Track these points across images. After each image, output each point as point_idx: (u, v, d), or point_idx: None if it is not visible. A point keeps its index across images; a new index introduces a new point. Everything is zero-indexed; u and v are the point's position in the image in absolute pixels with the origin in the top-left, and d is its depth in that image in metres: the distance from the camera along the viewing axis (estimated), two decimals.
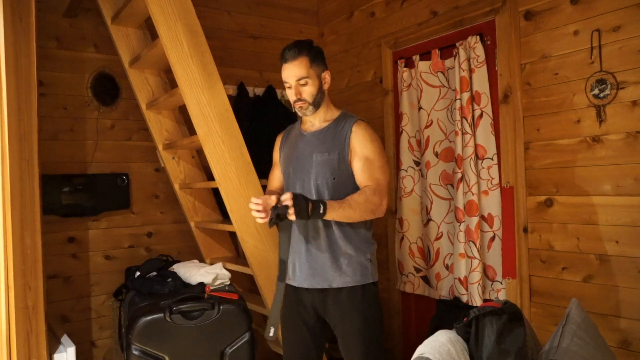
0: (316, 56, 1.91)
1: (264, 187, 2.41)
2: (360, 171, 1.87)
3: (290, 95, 1.92)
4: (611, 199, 2.18)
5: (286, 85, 1.93)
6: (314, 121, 1.99)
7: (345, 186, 1.88)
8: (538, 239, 2.44)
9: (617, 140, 2.15)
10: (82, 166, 2.95)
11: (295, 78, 1.87)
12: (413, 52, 3.02)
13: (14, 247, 1.87)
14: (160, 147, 2.94)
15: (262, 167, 2.62)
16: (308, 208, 1.66)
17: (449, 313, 2.76)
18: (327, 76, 1.95)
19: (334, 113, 2.00)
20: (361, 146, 1.87)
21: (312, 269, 1.91)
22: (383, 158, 1.89)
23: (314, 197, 1.89)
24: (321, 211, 1.69)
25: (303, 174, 1.94)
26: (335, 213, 1.73)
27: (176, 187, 2.97)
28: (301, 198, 1.66)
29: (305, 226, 1.91)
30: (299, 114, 1.95)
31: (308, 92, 1.89)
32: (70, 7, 2.81)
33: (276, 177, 2.15)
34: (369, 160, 1.86)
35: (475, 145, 2.63)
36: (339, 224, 1.87)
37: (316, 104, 1.92)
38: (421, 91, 2.91)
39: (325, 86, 1.95)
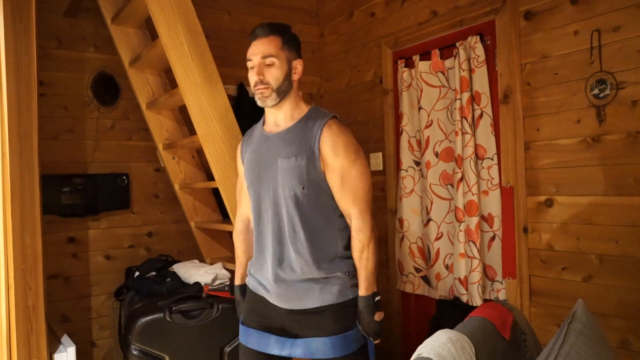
0: (290, 40, 1.70)
1: None
2: (338, 189, 1.65)
3: (252, 76, 1.67)
4: (611, 199, 2.18)
5: (249, 64, 1.68)
6: (278, 119, 1.73)
7: (317, 197, 1.66)
8: (538, 239, 2.44)
9: (617, 140, 2.15)
10: (82, 166, 2.95)
11: (261, 55, 1.64)
12: (413, 52, 3.02)
13: (14, 247, 1.87)
14: (160, 147, 2.94)
15: None
16: (375, 313, 1.65)
17: (449, 313, 2.76)
18: (299, 65, 1.71)
19: (302, 110, 1.73)
20: (334, 155, 1.63)
21: (282, 290, 1.70)
22: (360, 162, 1.66)
23: (282, 211, 1.66)
24: (377, 298, 1.67)
25: (267, 182, 1.70)
26: (374, 282, 1.67)
27: (176, 187, 2.97)
28: (368, 315, 1.64)
29: (274, 242, 1.70)
30: (258, 102, 1.69)
31: (273, 74, 1.65)
32: (70, 7, 2.81)
33: (246, 198, 1.87)
34: (346, 172, 1.64)
35: (475, 145, 2.63)
36: (310, 239, 1.67)
37: (281, 93, 1.67)
38: (421, 91, 2.91)
39: (295, 76, 1.70)
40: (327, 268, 1.67)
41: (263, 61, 1.65)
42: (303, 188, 1.64)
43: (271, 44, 1.65)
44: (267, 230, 1.72)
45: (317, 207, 1.67)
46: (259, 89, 1.65)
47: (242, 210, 1.93)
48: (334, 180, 1.65)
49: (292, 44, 1.70)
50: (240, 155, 1.88)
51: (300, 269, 1.66)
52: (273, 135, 1.72)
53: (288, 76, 1.67)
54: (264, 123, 1.80)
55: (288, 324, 1.72)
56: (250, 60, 1.68)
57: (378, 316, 1.66)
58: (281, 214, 1.68)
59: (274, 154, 1.69)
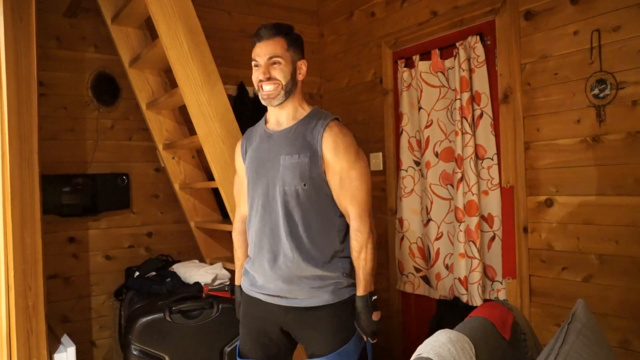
0: (295, 40, 1.72)
1: None
2: (338, 190, 1.67)
3: (257, 76, 1.69)
4: (611, 199, 2.18)
5: (254, 64, 1.70)
6: (280, 118, 1.75)
7: (317, 195, 1.67)
8: (538, 239, 2.44)
9: (617, 140, 2.15)
10: (82, 166, 2.95)
11: (267, 56, 1.66)
12: (413, 52, 3.02)
13: (14, 247, 1.87)
14: (160, 147, 2.94)
15: None
16: (372, 313, 1.67)
17: (449, 313, 2.76)
18: (303, 66, 1.73)
19: (304, 110, 1.75)
20: (334, 156, 1.65)
21: (279, 285, 1.71)
22: (359, 164, 1.68)
23: (282, 207, 1.67)
24: (375, 298, 1.68)
25: (268, 179, 1.71)
26: (371, 282, 1.68)
27: (176, 187, 2.97)
28: (366, 314, 1.66)
29: (267, 235, 1.72)
30: (263, 102, 1.71)
31: (280, 72, 1.67)
32: (70, 7, 2.81)
33: (245, 197, 1.85)
34: (345, 173, 1.66)
35: (475, 145, 2.63)
36: (308, 236, 1.68)
37: (287, 92, 1.68)
38: (421, 91, 2.91)
39: (300, 77, 1.73)
40: (325, 266, 1.68)
41: (269, 62, 1.67)
42: (304, 185, 1.66)
43: (277, 45, 1.67)
44: (266, 226, 1.72)
45: (316, 205, 1.68)
46: (266, 86, 1.67)
47: (242, 210, 1.93)
48: (333, 181, 1.68)
49: (296, 44, 1.72)
50: (240, 153, 1.88)
51: (297, 264, 1.67)
52: (275, 133, 1.75)
53: (293, 76, 1.70)
54: (266, 122, 1.82)
55: (285, 323, 1.73)
56: (255, 60, 1.70)
57: (375, 316, 1.68)
58: (281, 211, 1.69)
59: (277, 151, 1.71)
